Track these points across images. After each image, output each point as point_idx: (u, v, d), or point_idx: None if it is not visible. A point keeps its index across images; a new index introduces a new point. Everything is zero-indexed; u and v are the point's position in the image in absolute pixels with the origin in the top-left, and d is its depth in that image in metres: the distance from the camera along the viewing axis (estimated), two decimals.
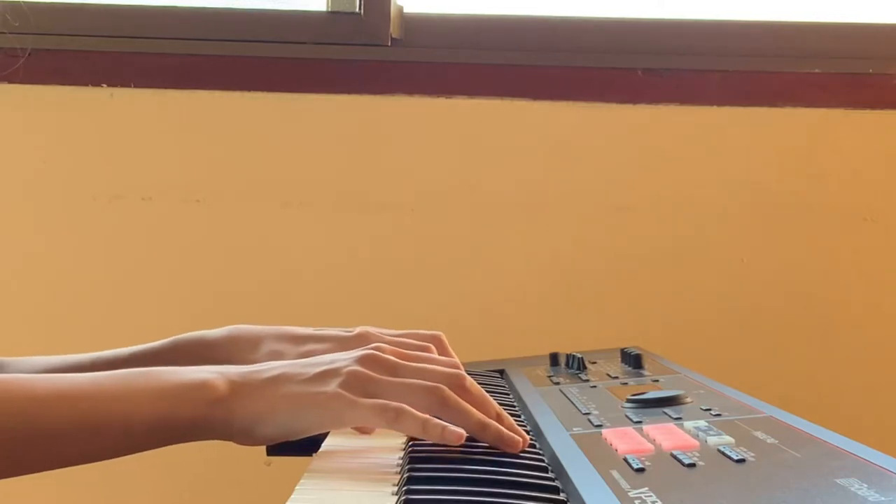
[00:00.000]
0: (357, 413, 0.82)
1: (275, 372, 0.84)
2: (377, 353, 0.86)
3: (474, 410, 0.84)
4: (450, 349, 1.02)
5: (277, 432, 0.82)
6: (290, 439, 0.84)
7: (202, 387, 0.82)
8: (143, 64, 1.78)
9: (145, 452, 0.83)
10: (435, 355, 0.93)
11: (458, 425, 0.83)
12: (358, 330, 1.01)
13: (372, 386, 0.83)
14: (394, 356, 0.87)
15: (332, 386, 0.82)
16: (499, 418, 0.86)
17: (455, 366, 0.89)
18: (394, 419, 0.81)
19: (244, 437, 0.83)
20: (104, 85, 1.77)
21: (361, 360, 0.85)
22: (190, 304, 1.76)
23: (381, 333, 1.01)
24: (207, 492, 1.76)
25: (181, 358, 1.02)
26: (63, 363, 1.05)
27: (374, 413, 0.81)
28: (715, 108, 1.80)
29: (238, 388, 0.82)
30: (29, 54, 1.67)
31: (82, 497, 1.73)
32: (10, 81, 1.72)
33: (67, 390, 0.81)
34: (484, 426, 0.83)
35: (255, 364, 0.87)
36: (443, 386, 0.84)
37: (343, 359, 0.85)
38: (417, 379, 0.85)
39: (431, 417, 0.82)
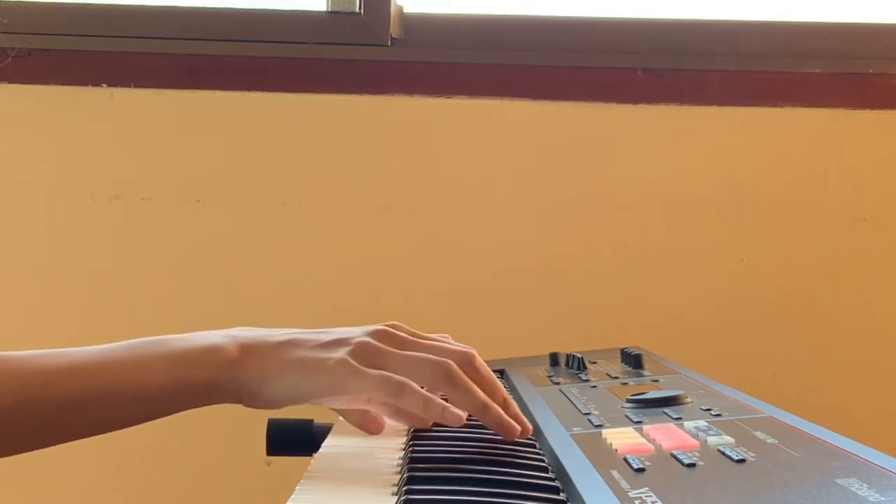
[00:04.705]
0: (360, 382, 0.82)
1: (286, 337, 0.85)
2: (390, 328, 0.86)
3: (479, 391, 0.83)
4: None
5: (283, 395, 0.83)
6: (296, 404, 0.84)
7: (213, 350, 0.83)
8: (143, 64, 1.78)
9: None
10: (450, 342, 0.93)
11: (460, 403, 0.83)
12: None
13: (379, 357, 0.83)
14: (408, 335, 0.87)
15: (340, 353, 0.83)
16: (505, 404, 0.85)
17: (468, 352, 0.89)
18: (395, 392, 0.81)
19: (252, 398, 0.83)
20: (104, 85, 1.77)
21: (373, 334, 0.85)
22: (190, 304, 1.76)
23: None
24: (207, 492, 1.76)
25: None
26: None
27: (377, 384, 0.82)
28: (715, 108, 1.80)
29: (248, 349, 0.83)
30: (29, 54, 1.67)
31: (82, 495, 1.73)
32: (10, 82, 1.72)
33: (78, 362, 0.82)
34: (486, 407, 0.83)
35: (268, 329, 0.87)
36: (451, 361, 0.84)
37: (356, 332, 0.86)
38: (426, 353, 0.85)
39: (434, 396, 0.82)
